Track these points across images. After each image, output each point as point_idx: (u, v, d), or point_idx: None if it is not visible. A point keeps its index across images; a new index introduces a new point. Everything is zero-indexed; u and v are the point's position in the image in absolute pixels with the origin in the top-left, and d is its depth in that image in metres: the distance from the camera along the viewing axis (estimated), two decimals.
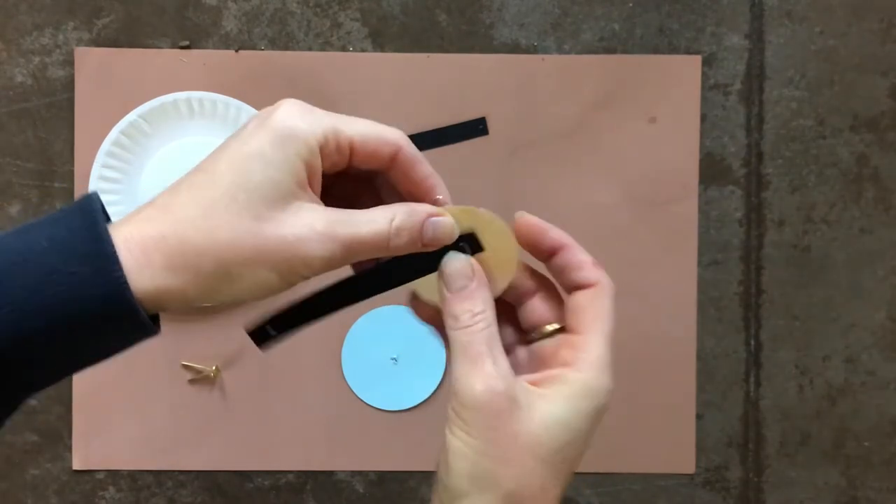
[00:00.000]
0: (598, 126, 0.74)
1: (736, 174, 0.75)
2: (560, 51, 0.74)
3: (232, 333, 0.74)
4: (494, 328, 0.37)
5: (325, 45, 0.74)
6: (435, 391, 0.74)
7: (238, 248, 0.35)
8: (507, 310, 0.41)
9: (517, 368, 0.39)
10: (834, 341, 0.75)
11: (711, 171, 0.75)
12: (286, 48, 0.73)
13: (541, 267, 0.42)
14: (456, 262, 0.38)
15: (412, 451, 0.74)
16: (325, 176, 0.38)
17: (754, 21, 0.74)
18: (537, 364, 0.39)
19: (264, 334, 0.40)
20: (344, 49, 0.74)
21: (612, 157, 0.74)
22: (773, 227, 0.75)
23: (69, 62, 0.73)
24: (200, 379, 0.74)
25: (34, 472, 0.74)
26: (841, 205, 0.75)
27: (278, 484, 0.75)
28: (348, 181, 0.40)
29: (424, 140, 0.74)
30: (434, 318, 0.41)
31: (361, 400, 0.74)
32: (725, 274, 0.75)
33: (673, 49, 0.74)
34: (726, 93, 0.74)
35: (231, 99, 0.71)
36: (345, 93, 0.73)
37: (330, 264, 0.36)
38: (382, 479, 0.75)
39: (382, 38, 0.74)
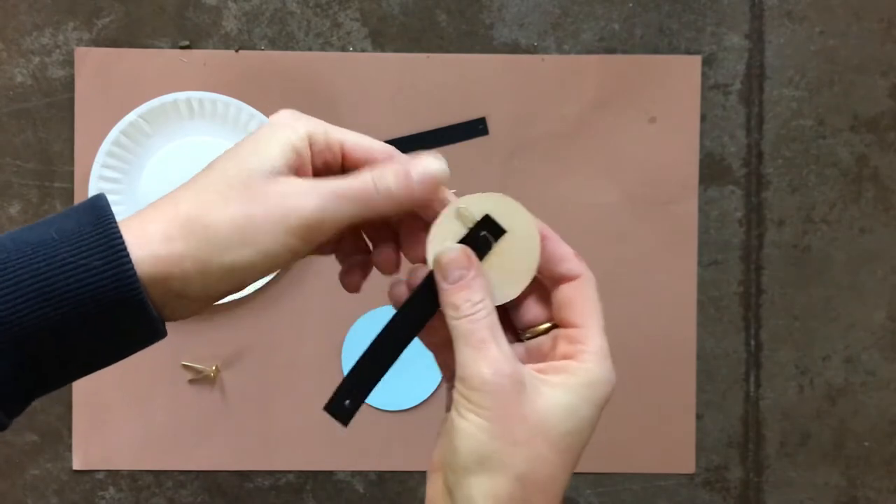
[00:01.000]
0: (598, 126, 0.74)
1: (736, 174, 0.75)
2: (560, 51, 0.74)
3: (232, 333, 0.74)
4: (495, 315, 0.37)
5: (325, 46, 0.74)
6: (435, 391, 0.74)
7: (229, 213, 0.35)
8: (499, 311, 0.41)
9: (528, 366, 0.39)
10: (834, 341, 0.75)
11: (711, 171, 0.75)
12: (286, 48, 0.73)
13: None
14: (451, 253, 0.38)
15: (412, 451, 0.74)
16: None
17: (754, 21, 0.74)
18: (536, 359, 0.39)
19: (343, 409, 0.40)
20: (344, 49, 0.74)
21: (612, 157, 0.74)
22: (773, 227, 0.75)
23: (69, 62, 0.73)
24: (200, 379, 0.74)
25: (34, 472, 0.74)
26: (841, 205, 0.75)
27: (278, 484, 0.75)
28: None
29: (424, 140, 0.74)
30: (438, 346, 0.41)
31: None
32: (725, 274, 0.75)
33: (673, 49, 0.74)
34: (726, 93, 0.74)
35: (231, 99, 0.71)
36: (345, 93, 0.73)
37: (324, 216, 0.36)
38: (382, 479, 0.75)
39: (382, 38, 0.74)
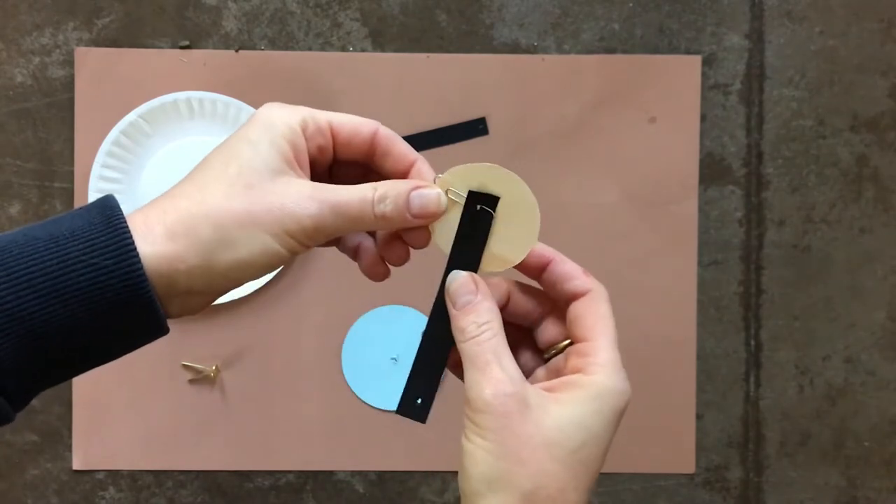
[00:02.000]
0: (598, 126, 0.74)
1: (736, 174, 0.75)
2: (560, 51, 0.74)
3: (232, 333, 0.74)
4: (501, 336, 0.38)
5: (325, 46, 0.74)
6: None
7: (232, 211, 0.36)
8: (525, 335, 0.42)
9: (537, 385, 0.39)
10: (834, 341, 0.75)
11: (711, 171, 0.75)
12: (286, 48, 0.73)
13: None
14: (459, 278, 0.39)
15: (412, 451, 0.74)
16: (317, 165, 0.40)
17: (754, 21, 0.74)
18: (553, 377, 0.40)
19: (416, 407, 0.40)
20: (344, 49, 0.74)
21: (612, 157, 0.74)
22: (773, 227, 0.75)
23: (69, 62, 0.73)
24: (200, 379, 0.74)
25: (34, 472, 0.74)
26: (841, 205, 0.75)
27: (278, 484, 0.75)
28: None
29: (424, 140, 0.74)
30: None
31: (361, 400, 0.74)
32: (725, 274, 0.75)
33: (673, 49, 0.74)
34: (726, 93, 0.74)
35: (231, 99, 0.71)
36: (345, 93, 0.73)
37: (320, 225, 0.37)
38: (382, 479, 0.75)
39: (382, 38, 0.74)
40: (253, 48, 0.73)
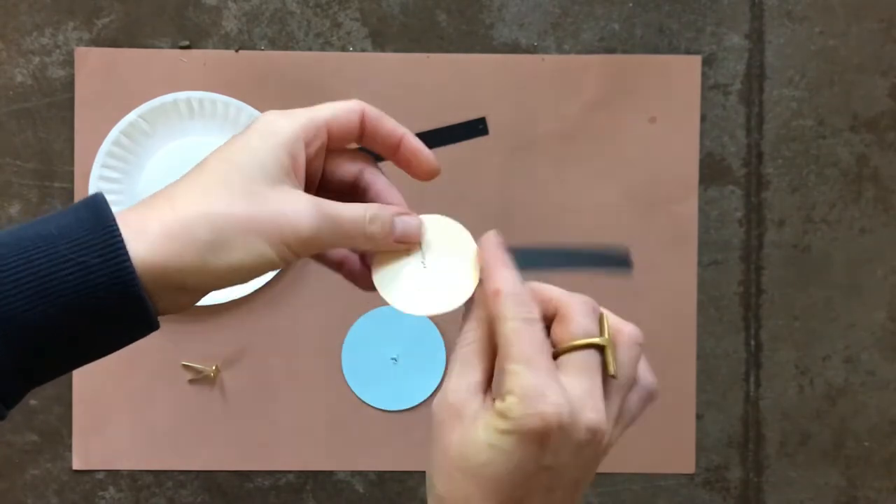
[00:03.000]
0: (598, 126, 0.74)
1: (736, 174, 0.75)
2: (560, 51, 0.74)
3: (232, 333, 0.74)
4: (476, 345, 0.39)
5: (325, 46, 0.74)
6: (435, 391, 0.74)
7: (232, 215, 0.37)
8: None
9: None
10: (834, 341, 0.75)
11: (711, 171, 0.75)
12: (286, 48, 0.73)
13: (569, 285, 0.41)
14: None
15: (412, 451, 0.74)
16: (312, 169, 0.41)
17: (754, 21, 0.74)
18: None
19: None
20: (344, 49, 0.74)
21: (612, 157, 0.74)
22: (773, 227, 0.75)
23: (69, 62, 0.73)
24: (200, 379, 0.74)
25: (34, 472, 0.74)
26: (841, 205, 0.75)
27: (278, 484, 0.75)
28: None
29: (424, 140, 0.73)
30: None
31: (361, 400, 0.74)
32: (725, 274, 0.75)
33: (673, 49, 0.74)
34: (726, 93, 0.74)
35: (231, 99, 0.71)
36: (345, 93, 0.73)
37: (317, 236, 0.39)
38: (382, 479, 0.75)
39: (382, 38, 0.74)
40: (253, 48, 0.73)
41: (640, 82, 0.74)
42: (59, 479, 0.74)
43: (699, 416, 0.75)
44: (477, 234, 0.42)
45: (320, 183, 0.43)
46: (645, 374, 0.43)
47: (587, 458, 0.37)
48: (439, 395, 0.38)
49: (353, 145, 0.44)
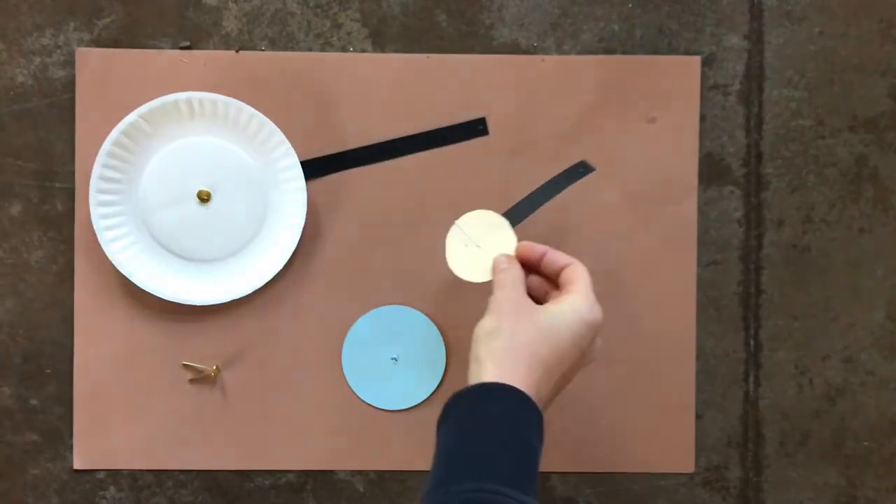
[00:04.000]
0: (598, 126, 0.74)
1: (735, 174, 0.75)
2: (560, 51, 0.74)
3: (232, 333, 0.74)
4: (517, 278, 0.60)
5: (326, 46, 0.74)
6: (435, 391, 0.74)
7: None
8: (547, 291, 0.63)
9: None
10: (833, 341, 0.75)
11: (711, 171, 0.75)
12: (286, 49, 0.74)
13: None
14: (498, 258, 0.62)
15: (412, 451, 0.74)
16: None
17: (753, 21, 0.74)
18: None
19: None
20: (344, 50, 0.74)
21: (612, 157, 0.74)
22: (773, 228, 0.75)
23: (70, 62, 0.73)
24: (200, 379, 0.74)
25: (35, 472, 0.74)
26: (840, 205, 0.75)
27: (278, 483, 0.75)
28: None
29: (424, 140, 0.74)
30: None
31: (361, 400, 0.74)
32: (725, 274, 0.75)
33: (672, 49, 0.74)
34: (726, 93, 0.75)
35: (231, 99, 0.71)
36: (345, 93, 0.74)
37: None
38: (382, 479, 0.75)
39: (382, 38, 0.74)
40: (253, 49, 0.74)
41: (640, 83, 0.74)
42: (60, 478, 0.74)
43: (699, 416, 0.75)
44: None
45: None
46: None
47: (586, 361, 0.59)
48: (496, 293, 0.59)
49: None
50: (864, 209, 0.75)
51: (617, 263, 0.74)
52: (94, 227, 0.71)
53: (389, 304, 0.74)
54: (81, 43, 0.73)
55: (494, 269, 0.61)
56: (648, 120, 0.74)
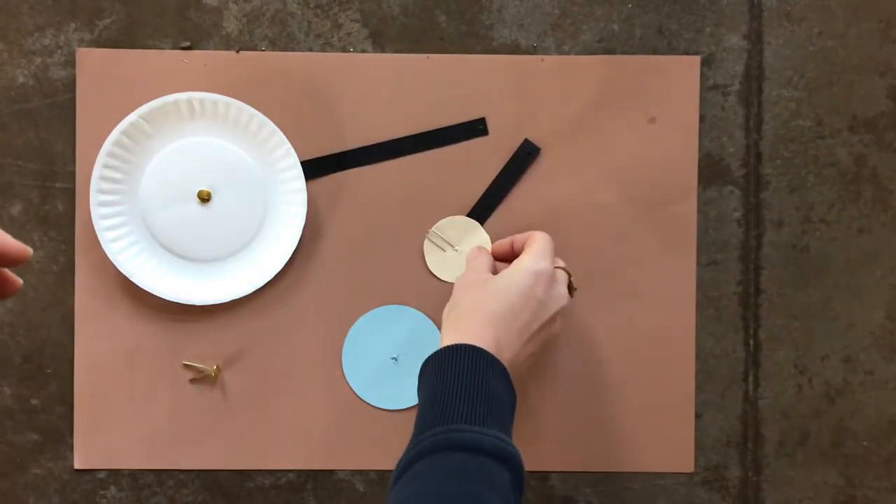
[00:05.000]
0: (597, 126, 0.74)
1: (735, 174, 0.75)
2: (559, 51, 0.74)
3: (232, 333, 0.74)
4: (483, 260, 0.69)
5: (326, 46, 0.74)
6: None
7: None
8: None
9: None
10: (832, 341, 0.76)
11: (710, 171, 0.75)
12: (287, 49, 0.74)
13: None
14: (472, 250, 0.72)
15: None
16: None
17: (753, 22, 0.75)
18: None
19: None
20: (344, 50, 0.74)
21: (612, 157, 0.74)
22: (772, 228, 0.75)
23: (70, 63, 0.73)
24: (201, 379, 0.74)
25: (36, 472, 0.75)
26: (839, 205, 0.75)
27: (279, 483, 0.75)
28: None
29: (424, 140, 0.74)
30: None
31: (361, 399, 0.74)
32: (724, 274, 0.75)
33: (672, 50, 0.74)
34: (725, 93, 0.75)
35: (231, 100, 0.71)
36: (345, 93, 0.74)
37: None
38: (382, 479, 0.75)
39: (382, 38, 0.74)
40: (254, 49, 0.74)
41: (640, 83, 0.74)
42: (61, 478, 0.74)
43: (698, 416, 0.75)
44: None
45: None
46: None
47: (550, 308, 0.64)
48: (462, 277, 0.67)
49: None
50: (863, 209, 0.75)
51: (617, 263, 0.74)
52: (95, 227, 0.71)
53: (390, 304, 0.74)
54: (82, 43, 0.73)
55: (466, 260, 0.70)
56: (648, 120, 0.74)
